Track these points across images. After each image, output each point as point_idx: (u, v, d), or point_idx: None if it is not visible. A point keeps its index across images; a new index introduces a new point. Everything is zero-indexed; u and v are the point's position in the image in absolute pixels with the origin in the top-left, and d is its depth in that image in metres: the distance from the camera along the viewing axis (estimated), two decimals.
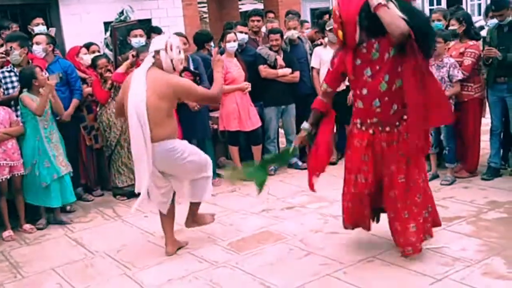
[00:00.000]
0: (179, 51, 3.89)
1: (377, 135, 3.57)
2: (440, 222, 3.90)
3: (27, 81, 4.85)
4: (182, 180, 4.11)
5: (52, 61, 5.48)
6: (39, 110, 4.77)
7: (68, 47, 6.86)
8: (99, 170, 5.97)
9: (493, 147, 5.37)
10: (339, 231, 4.15)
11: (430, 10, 7.92)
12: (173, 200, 4.14)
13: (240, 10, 12.49)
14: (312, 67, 6.27)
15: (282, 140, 6.77)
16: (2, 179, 4.72)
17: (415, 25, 3.27)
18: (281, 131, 6.67)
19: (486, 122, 5.57)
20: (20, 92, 4.90)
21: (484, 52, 5.13)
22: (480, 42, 5.43)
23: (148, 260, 4.06)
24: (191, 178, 4.10)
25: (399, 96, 3.46)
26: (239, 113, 5.90)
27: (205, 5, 12.79)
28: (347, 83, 4.21)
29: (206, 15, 13.35)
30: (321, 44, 6.32)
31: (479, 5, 16.20)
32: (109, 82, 5.54)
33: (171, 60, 3.83)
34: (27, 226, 4.91)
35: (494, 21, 5.23)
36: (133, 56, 5.41)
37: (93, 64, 5.74)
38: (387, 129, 3.55)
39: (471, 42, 5.34)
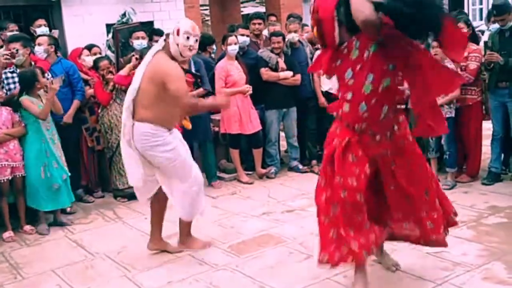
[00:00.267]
0: (187, 37, 3.74)
1: (367, 140, 3.14)
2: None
3: (29, 83, 4.83)
4: (168, 177, 3.97)
5: (54, 62, 5.50)
6: (42, 114, 4.75)
7: (70, 48, 6.87)
8: (100, 172, 5.98)
9: (494, 152, 5.37)
10: None
11: None
12: (161, 198, 4.10)
13: (242, 13, 12.49)
14: None
15: (283, 143, 6.77)
16: (3, 180, 4.72)
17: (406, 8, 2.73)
18: (282, 134, 6.68)
19: (487, 126, 5.58)
20: (20, 94, 4.87)
21: (486, 57, 5.14)
22: (482, 46, 5.44)
23: (148, 262, 4.06)
24: (171, 178, 3.95)
25: (389, 98, 3.10)
26: (240, 116, 5.90)
27: (207, 7, 12.81)
28: None
29: (208, 18, 13.37)
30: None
31: (481, 10, 16.22)
32: (111, 84, 5.56)
33: (177, 45, 3.75)
34: (27, 227, 4.90)
35: (496, 26, 5.24)
36: (136, 59, 5.43)
37: (95, 66, 5.75)
38: (377, 138, 3.15)
39: (474, 46, 5.35)
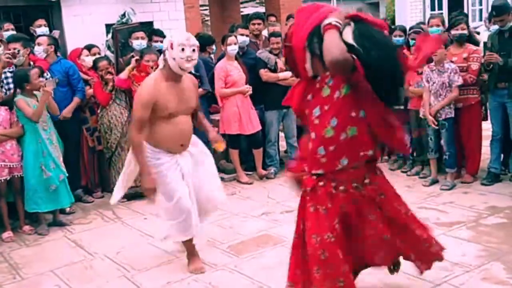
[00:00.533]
0: (182, 49, 3.55)
1: (329, 189, 2.83)
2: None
3: (19, 83, 4.81)
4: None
5: (54, 62, 5.50)
6: (35, 116, 4.71)
7: (70, 48, 6.87)
8: (99, 172, 5.98)
9: (494, 152, 5.38)
10: None
11: (431, 15, 7.95)
12: None
13: (242, 13, 12.49)
14: None
15: (283, 144, 6.77)
16: (1, 180, 4.71)
17: (372, 59, 2.55)
18: (282, 134, 6.68)
19: (486, 127, 5.58)
20: (15, 93, 4.86)
21: (485, 57, 5.15)
22: (481, 47, 5.45)
23: (147, 262, 4.06)
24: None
25: (352, 150, 2.75)
26: (240, 116, 5.90)
27: (207, 8, 12.80)
28: None
29: (208, 18, 13.37)
30: None
31: (480, 10, 16.21)
32: (110, 84, 5.56)
33: (174, 59, 3.59)
34: (27, 228, 4.90)
35: (496, 26, 5.25)
36: (136, 60, 5.42)
37: (94, 66, 5.75)
38: (341, 188, 2.81)
39: (474, 47, 5.37)
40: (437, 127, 5.27)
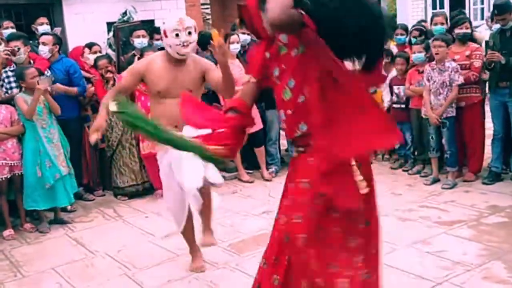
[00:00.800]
0: (176, 34, 3.42)
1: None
2: None
3: (17, 81, 4.87)
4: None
5: (55, 60, 5.49)
6: (27, 114, 4.72)
7: (71, 46, 6.88)
8: (101, 170, 5.98)
9: (495, 152, 5.37)
10: None
11: (433, 13, 7.94)
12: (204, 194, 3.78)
13: None
14: None
15: (284, 142, 6.77)
16: (2, 178, 4.72)
17: (329, 10, 2.06)
18: (283, 133, 6.67)
19: (487, 126, 5.58)
20: (20, 91, 4.88)
21: (487, 56, 5.14)
22: (483, 45, 5.46)
23: (148, 260, 4.06)
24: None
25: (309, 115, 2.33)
26: None
27: (208, 6, 12.80)
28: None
29: (209, 17, 13.37)
30: None
31: (482, 9, 16.19)
32: (111, 82, 5.56)
33: (170, 46, 3.49)
34: (28, 225, 4.91)
35: (498, 25, 5.24)
36: (138, 59, 5.42)
37: (95, 65, 5.76)
38: (291, 186, 2.49)
39: (476, 45, 5.39)
40: (440, 124, 5.27)
